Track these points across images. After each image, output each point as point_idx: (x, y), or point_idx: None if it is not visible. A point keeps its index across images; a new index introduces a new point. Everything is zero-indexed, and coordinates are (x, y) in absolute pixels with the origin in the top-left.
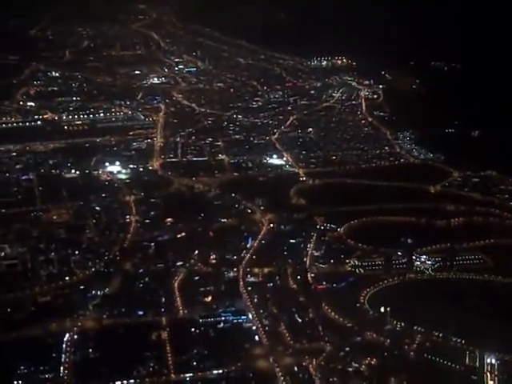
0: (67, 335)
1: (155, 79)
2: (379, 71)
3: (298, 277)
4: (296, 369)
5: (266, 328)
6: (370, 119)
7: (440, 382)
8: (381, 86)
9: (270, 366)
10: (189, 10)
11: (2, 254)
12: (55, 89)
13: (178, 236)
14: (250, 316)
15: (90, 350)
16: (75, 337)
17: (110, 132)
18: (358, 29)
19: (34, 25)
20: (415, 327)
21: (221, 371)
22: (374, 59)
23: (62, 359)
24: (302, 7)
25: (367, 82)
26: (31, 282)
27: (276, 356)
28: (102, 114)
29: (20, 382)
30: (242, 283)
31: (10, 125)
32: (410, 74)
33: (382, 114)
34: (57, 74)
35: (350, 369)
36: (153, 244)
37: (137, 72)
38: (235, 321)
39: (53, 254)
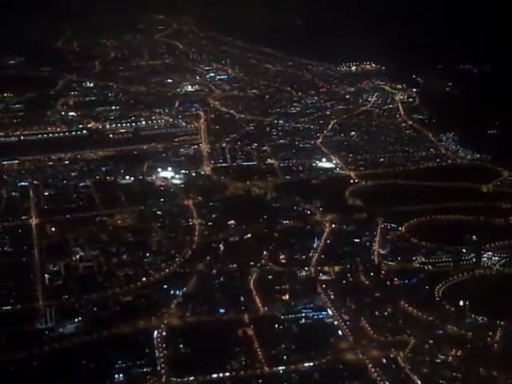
0: (156, 332)
1: (189, 87)
2: (409, 75)
3: (371, 273)
4: (384, 361)
5: (347, 323)
6: (410, 122)
7: None
8: (414, 90)
9: (359, 359)
10: (208, 20)
11: (78, 256)
12: (93, 99)
13: (245, 237)
14: (330, 312)
15: (181, 346)
16: (163, 333)
17: (155, 139)
18: (384, 34)
19: (57, 37)
20: (496, 320)
21: (311, 364)
22: (401, 63)
23: (156, 354)
24: (324, 14)
25: (400, 86)
26: (111, 282)
27: (363, 349)
28: (143, 122)
29: (121, 375)
30: (316, 281)
31: (56, 134)
32: (440, 77)
33: (420, 116)
34: (91, 85)
35: (438, 360)
36: (221, 245)
37: (169, 80)
38: (316, 317)
39: (125, 256)
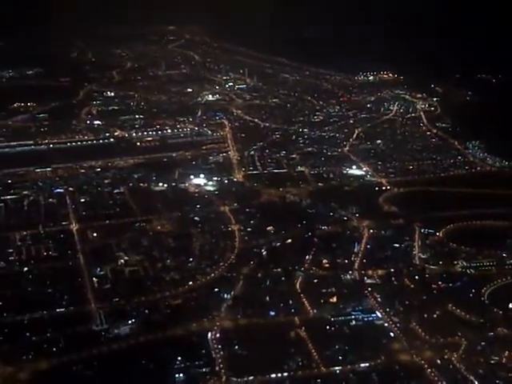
0: (209, 334)
1: (209, 96)
2: (427, 85)
3: (416, 277)
4: (439, 361)
5: (398, 325)
6: (434, 130)
7: None
8: (435, 99)
9: (413, 360)
10: (219, 30)
11: (122, 261)
12: (115, 108)
13: (287, 242)
14: (379, 314)
15: (236, 347)
16: (217, 335)
17: (183, 147)
18: (400, 44)
19: (71, 48)
20: None
21: (367, 364)
22: (418, 73)
23: (213, 355)
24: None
25: (420, 95)
26: (159, 286)
27: (416, 350)
28: (169, 131)
29: (181, 374)
30: (361, 284)
31: (84, 142)
32: (458, 87)
33: (444, 125)
34: (112, 94)
35: (492, 361)
36: (264, 250)
37: (189, 90)
38: (366, 319)
39: (168, 261)
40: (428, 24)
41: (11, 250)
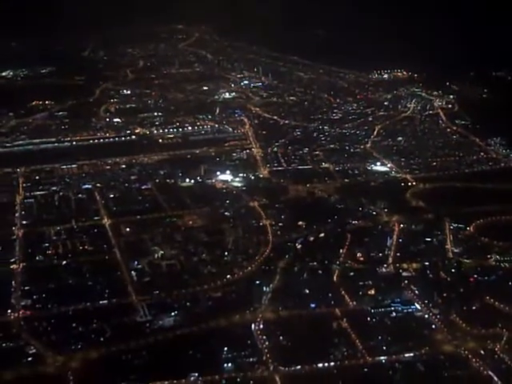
0: (253, 325)
1: (226, 94)
2: (443, 82)
3: (452, 270)
4: (482, 352)
5: (438, 316)
6: (454, 127)
7: None
8: (451, 97)
9: (457, 350)
10: (228, 29)
11: (159, 255)
12: (133, 106)
13: (319, 236)
14: (418, 306)
15: (281, 338)
16: (261, 326)
17: (205, 144)
18: (414, 41)
19: (82, 47)
20: None
21: (412, 354)
22: (433, 71)
23: (258, 345)
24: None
25: (436, 93)
26: (197, 279)
27: (459, 341)
28: (189, 128)
29: (229, 364)
30: (397, 277)
31: (106, 140)
32: (474, 84)
33: (463, 122)
34: (128, 92)
35: None
36: (298, 244)
37: (205, 88)
38: (405, 311)
39: (204, 255)
40: (440, 22)
41: (47, 245)
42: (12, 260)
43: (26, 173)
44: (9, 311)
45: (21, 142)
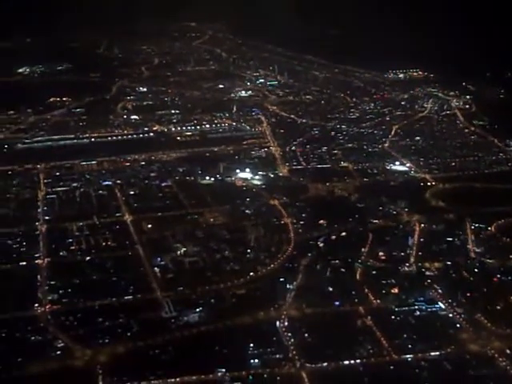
0: (278, 322)
1: (242, 92)
2: (459, 82)
3: (475, 270)
4: (508, 351)
5: (462, 316)
6: (472, 128)
7: None
8: (468, 97)
9: (482, 349)
10: (242, 27)
11: (181, 251)
12: (150, 103)
13: (341, 235)
14: (442, 305)
15: (306, 335)
16: (286, 323)
17: (223, 142)
18: (428, 42)
19: (96, 45)
20: None
21: (438, 353)
22: (448, 71)
23: (284, 342)
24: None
25: (453, 93)
26: (220, 276)
27: (484, 340)
28: (207, 126)
29: (256, 360)
30: (420, 276)
31: (125, 137)
32: (491, 85)
33: (481, 123)
34: (144, 89)
35: None
36: (321, 243)
37: (221, 86)
38: (429, 310)
39: (226, 252)
40: (456, 22)
41: (71, 240)
42: (36, 255)
43: (47, 169)
44: (36, 305)
45: (40, 139)
